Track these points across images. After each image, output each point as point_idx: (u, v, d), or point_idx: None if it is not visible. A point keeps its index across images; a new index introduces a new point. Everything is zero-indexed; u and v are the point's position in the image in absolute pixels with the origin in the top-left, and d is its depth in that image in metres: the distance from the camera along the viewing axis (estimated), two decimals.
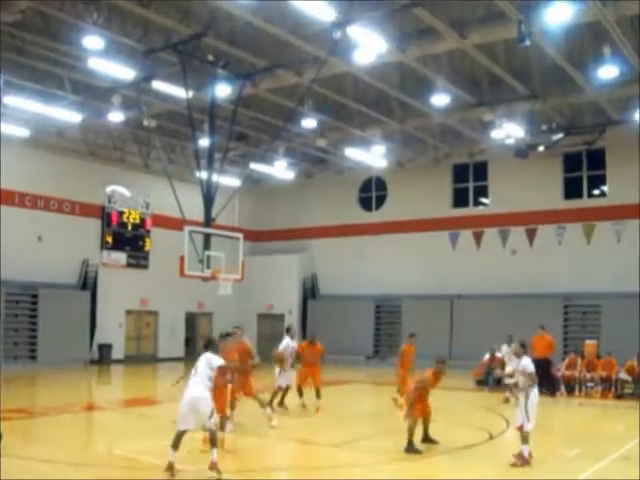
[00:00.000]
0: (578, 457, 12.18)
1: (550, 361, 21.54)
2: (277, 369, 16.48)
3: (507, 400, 19.15)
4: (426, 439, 12.43)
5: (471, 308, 30.56)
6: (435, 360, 12.73)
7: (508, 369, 12.70)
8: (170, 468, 9.50)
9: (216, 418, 10.05)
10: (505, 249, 30.92)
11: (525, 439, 11.08)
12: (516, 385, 11.87)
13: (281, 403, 16.37)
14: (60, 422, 15.11)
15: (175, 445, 9.64)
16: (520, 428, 11.21)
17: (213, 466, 9.53)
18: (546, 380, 21.41)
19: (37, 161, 28.63)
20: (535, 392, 11.58)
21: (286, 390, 16.39)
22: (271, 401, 15.30)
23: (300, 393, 17.05)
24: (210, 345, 10.49)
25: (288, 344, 16.73)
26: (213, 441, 9.66)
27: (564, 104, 24.72)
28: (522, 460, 10.95)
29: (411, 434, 11.79)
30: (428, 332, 28.50)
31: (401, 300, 33.29)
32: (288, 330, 17.79)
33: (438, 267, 32.15)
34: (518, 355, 12.08)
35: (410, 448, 11.70)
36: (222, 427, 11.53)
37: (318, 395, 16.68)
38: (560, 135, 25.62)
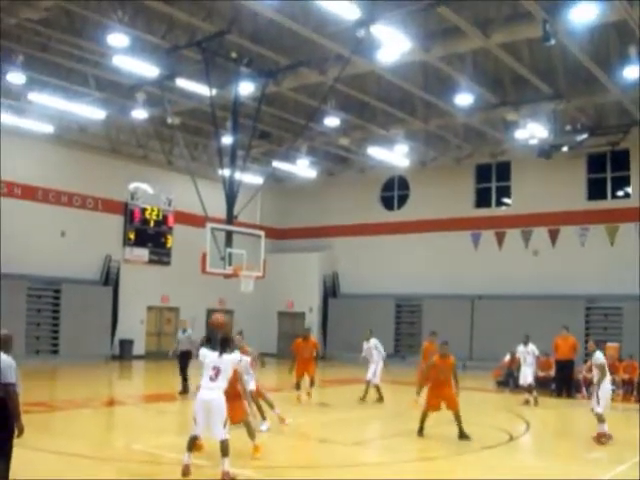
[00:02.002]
0: (597, 461, 12.10)
1: (573, 362, 21.40)
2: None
3: (527, 402, 19.08)
4: (462, 435, 12.64)
5: (492, 309, 30.40)
6: (440, 344, 13.83)
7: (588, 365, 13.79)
8: (185, 471, 9.05)
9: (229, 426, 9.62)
10: (527, 250, 30.71)
11: (600, 419, 12.74)
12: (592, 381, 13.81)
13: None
14: (80, 416, 15.21)
15: (190, 448, 9.28)
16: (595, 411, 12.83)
17: (225, 476, 9.06)
18: (567, 382, 21.34)
19: (61, 157, 28.84)
20: (607, 381, 13.18)
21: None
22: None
23: (298, 387, 18.15)
24: (226, 343, 9.70)
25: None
26: (225, 450, 9.17)
27: (588, 104, 24.54)
28: (605, 437, 12.57)
29: (421, 420, 12.80)
30: (449, 332, 28.24)
31: (422, 300, 33.20)
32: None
33: (459, 267, 32.02)
34: (592, 349, 14.03)
35: (420, 432, 12.74)
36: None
37: (312, 383, 18.23)
38: (584, 135, 25.40)
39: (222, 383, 9.32)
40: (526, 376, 19.56)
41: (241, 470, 10.60)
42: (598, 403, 12.77)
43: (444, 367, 13.12)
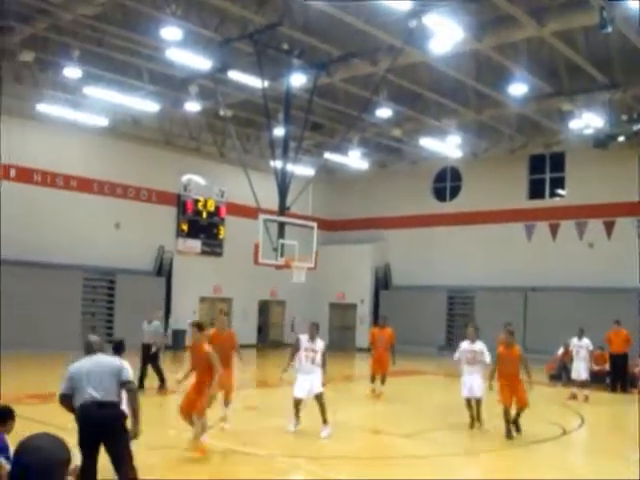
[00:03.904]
0: None
1: (627, 356, 21.09)
2: None
3: (574, 396, 18.83)
4: (514, 423, 12.57)
5: (546, 301, 30.05)
6: (504, 332, 13.38)
7: None
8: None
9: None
10: (582, 242, 30.26)
11: None
12: None
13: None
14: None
15: None
16: None
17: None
18: (622, 376, 21.02)
19: (115, 150, 29.26)
20: None
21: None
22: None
23: (372, 380, 18.00)
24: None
25: None
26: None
27: None
28: None
29: (506, 420, 12.40)
30: (501, 324, 28.14)
31: (474, 292, 32.99)
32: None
33: (512, 259, 31.70)
34: None
35: (507, 433, 12.38)
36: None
37: (383, 381, 17.84)
38: None
39: None
40: (579, 371, 19.28)
41: (292, 459, 10.72)
42: None
43: (510, 358, 12.60)
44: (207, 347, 10.76)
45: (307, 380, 12.47)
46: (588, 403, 18.30)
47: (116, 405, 7.11)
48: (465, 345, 13.51)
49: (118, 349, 10.29)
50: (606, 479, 10.08)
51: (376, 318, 35.21)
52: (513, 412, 12.49)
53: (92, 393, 6.95)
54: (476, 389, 13.03)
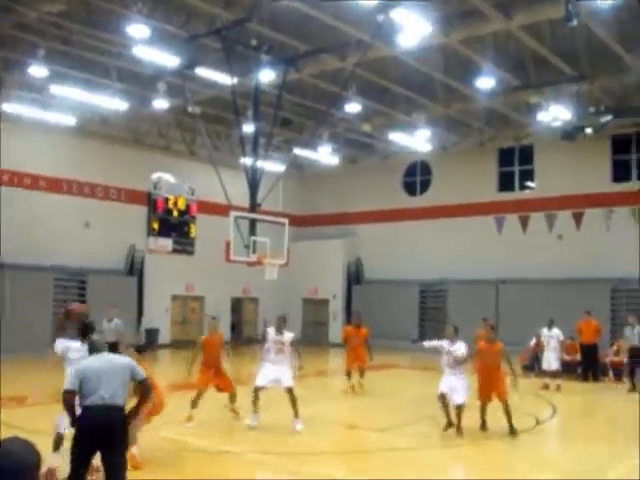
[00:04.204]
0: (625, 444, 12.05)
1: (597, 346, 21.35)
2: None
3: (546, 386, 19.03)
4: (511, 429, 12.14)
5: (516, 293, 30.28)
6: (485, 325, 13.32)
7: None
8: None
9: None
10: (552, 233, 30.50)
11: None
12: None
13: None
14: None
15: None
16: None
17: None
18: (592, 366, 21.29)
19: (84, 149, 29.02)
20: None
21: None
22: None
23: (348, 375, 17.89)
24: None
25: None
26: None
27: (612, 85, 24.27)
28: None
29: (482, 414, 12.27)
30: (473, 317, 28.31)
31: (446, 285, 33.15)
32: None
33: (483, 252, 31.89)
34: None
35: (482, 426, 12.33)
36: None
37: (362, 374, 17.83)
38: (608, 117, 25.16)
39: None
40: (550, 361, 19.54)
41: (266, 456, 10.71)
42: None
43: (491, 353, 12.45)
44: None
45: (273, 371, 12.47)
46: (560, 392, 18.50)
47: (122, 409, 6.82)
48: (445, 345, 12.44)
49: (112, 350, 9.94)
50: (581, 466, 10.21)
51: (349, 314, 35.32)
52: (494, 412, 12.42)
53: (102, 395, 6.66)
54: (456, 396, 11.98)
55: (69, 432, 8.78)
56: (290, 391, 12.41)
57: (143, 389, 7.05)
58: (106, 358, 7.02)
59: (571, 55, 21.80)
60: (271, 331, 12.71)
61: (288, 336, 12.69)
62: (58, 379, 14.63)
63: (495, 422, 12.45)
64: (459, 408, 11.97)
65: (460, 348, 12.25)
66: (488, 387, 12.21)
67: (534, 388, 18.85)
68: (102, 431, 6.60)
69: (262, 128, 23.43)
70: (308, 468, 10.06)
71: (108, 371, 6.80)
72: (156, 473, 9.29)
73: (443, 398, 12.20)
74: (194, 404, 12.76)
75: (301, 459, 10.67)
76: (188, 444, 10.75)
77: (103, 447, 6.61)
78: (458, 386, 12.04)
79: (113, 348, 16.79)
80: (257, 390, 12.55)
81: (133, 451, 9.95)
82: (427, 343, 13.08)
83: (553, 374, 19.34)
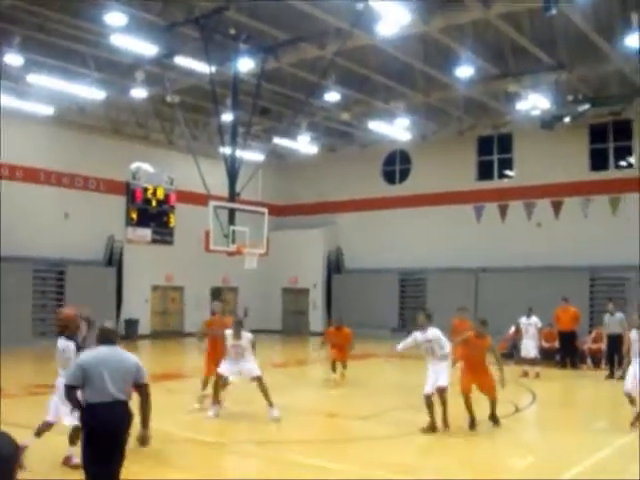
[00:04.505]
0: (603, 430, 12.18)
1: (575, 333, 21.48)
2: None
3: (526, 374, 19.16)
4: (491, 417, 11.99)
5: (496, 281, 30.44)
6: (476, 321, 12.83)
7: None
8: None
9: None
10: (530, 222, 30.68)
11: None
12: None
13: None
14: None
15: None
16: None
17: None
18: (570, 353, 21.44)
19: (61, 139, 28.81)
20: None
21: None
22: None
23: (333, 368, 17.67)
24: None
25: None
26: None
27: (590, 74, 24.37)
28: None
29: (467, 409, 11.66)
30: (453, 305, 28.38)
31: (426, 273, 33.24)
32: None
33: (463, 240, 31.99)
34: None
35: (471, 424, 11.66)
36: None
37: (344, 366, 17.62)
38: (586, 106, 25.27)
39: None
40: (528, 349, 19.71)
41: (248, 447, 10.71)
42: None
43: (478, 347, 12.06)
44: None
45: (236, 364, 12.54)
46: (539, 380, 18.62)
47: (128, 405, 6.41)
48: (418, 335, 11.81)
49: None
50: (559, 452, 10.29)
51: (329, 303, 35.44)
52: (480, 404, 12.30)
53: (112, 390, 6.24)
54: (441, 379, 11.48)
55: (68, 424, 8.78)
56: (259, 380, 12.40)
57: (144, 393, 6.58)
58: (114, 352, 6.54)
59: (550, 44, 21.86)
60: (229, 335, 12.61)
61: (245, 340, 12.56)
62: (35, 371, 14.51)
63: (477, 411, 12.50)
64: (442, 392, 11.43)
65: (433, 334, 11.63)
66: (471, 379, 11.87)
67: (514, 376, 18.95)
68: (116, 428, 6.27)
69: (241, 117, 23.38)
70: (288, 456, 10.06)
71: (117, 366, 6.40)
72: (143, 463, 9.26)
73: (428, 399, 11.52)
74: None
75: (281, 447, 10.67)
76: (170, 435, 10.71)
77: (110, 445, 6.24)
78: (440, 369, 11.57)
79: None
80: (219, 378, 12.66)
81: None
82: (401, 345, 12.35)
83: (532, 361, 19.48)
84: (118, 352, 6.57)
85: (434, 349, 11.64)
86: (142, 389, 6.54)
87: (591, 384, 19.29)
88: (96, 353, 6.54)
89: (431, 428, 11.41)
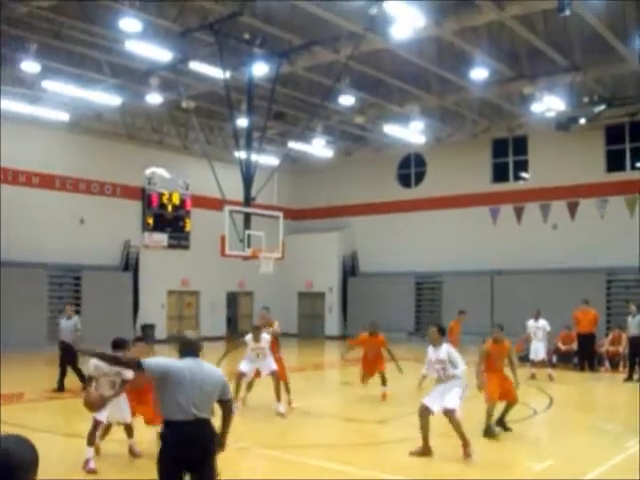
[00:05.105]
0: (621, 434, 12.10)
1: (594, 336, 21.36)
2: None
3: (533, 376, 19.03)
4: (500, 422, 11.91)
5: (512, 284, 30.31)
6: (493, 328, 12.52)
7: None
8: None
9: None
10: (546, 224, 30.53)
11: None
12: None
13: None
14: None
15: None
16: None
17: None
18: (589, 356, 21.31)
19: (77, 145, 28.97)
20: None
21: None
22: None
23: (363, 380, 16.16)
24: None
25: None
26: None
27: (606, 75, 24.26)
28: None
29: (488, 416, 11.47)
30: (469, 308, 28.23)
31: (442, 276, 33.17)
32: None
33: (478, 243, 31.89)
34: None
35: (488, 431, 11.44)
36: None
37: (384, 381, 15.87)
38: (602, 107, 25.15)
39: None
40: (537, 351, 19.63)
41: (269, 450, 10.72)
42: None
43: (499, 353, 11.89)
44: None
45: (255, 363, 13.46)
46: (557, 382, 18.53)
47: (212, 424, 5.94)
48: (430, 353, 10.51)
49: (117, 347, 9.58)
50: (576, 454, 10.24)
51: (345, 307, 35.44)
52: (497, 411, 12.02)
53: (194, 408, 5.71)
54: (449, 400, 10.03)
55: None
56: (274, 374, 13.35)
57: (228, 410, 6.20)
58: (201, 365, 5.99)
59: (564, 45, 21.76)
60: (249, 339, 13.55)
61: (264, 341, 13.53)
62: (52, 376, 14.57)
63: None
64: (450, 414, 10.04)
65: (446, 353, 10.24)
66: (497, 390, 11.68)
67: (522, 379, 18.89)
68: (194, 451, 5.74)
69: (256, 122, 23.40)
70: (306, 460, 10.06)
71: (203, 380, 5.86)
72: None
73: (422, 412, 10.21)
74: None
75: (299, 451, 10.67)
76: None
77: (194, 468, 5.76)
78: (448, 388, 10.16)
79: (67, 348, 16.49)
80: (240, 376, 13.46)
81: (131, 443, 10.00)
82: (425, 369, 11.81)
83: (541, 364, 19.44)
84: (204, 365, 6.04)
85: (446, 369, 10.17)
86: (226, 405, 6.14)
87: (609, 387, 19.19)
88: (181, 363, 5.94)
89: (423, 452, 10.15)
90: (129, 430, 9.89)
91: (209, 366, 6.11)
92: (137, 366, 5.90)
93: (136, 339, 11.32)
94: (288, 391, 14.20)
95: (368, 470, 9.59)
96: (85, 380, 15.88)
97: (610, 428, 12.55)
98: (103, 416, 9.37)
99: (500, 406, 11.95)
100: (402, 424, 12.72)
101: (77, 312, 28.01)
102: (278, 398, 13.22)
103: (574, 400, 17.35)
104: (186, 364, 5.88)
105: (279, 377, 13.57)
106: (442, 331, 10.59)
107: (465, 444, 9.92)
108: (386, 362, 15.89)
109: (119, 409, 9.62)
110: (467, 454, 9.89)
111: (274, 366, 13.40)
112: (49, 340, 26.34)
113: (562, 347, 21.63)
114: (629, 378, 18.96)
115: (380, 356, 15.84)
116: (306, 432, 12.11)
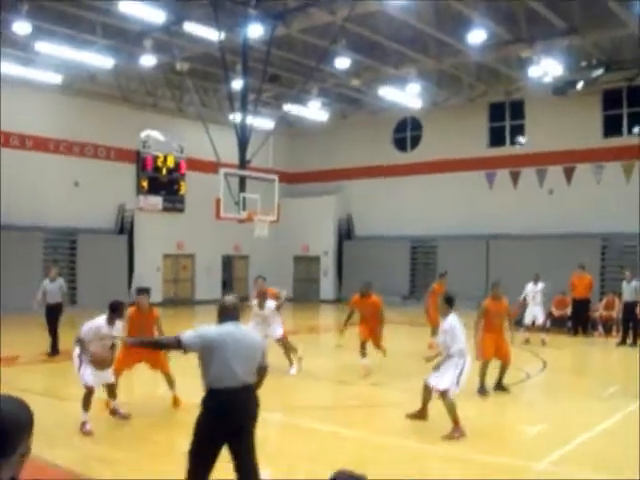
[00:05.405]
0: (614, 396, 12.18)
1: (589, 301, 21.43)
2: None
3: (527, 340, 19.08)
4: (498, 386, 12.03)
5: (507, 248, 30.32)
6: (493, 285, 12.62)
7: None
8: None
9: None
10: (542, 188, 30.47)
11: None
12: None
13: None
14: None
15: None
16: None
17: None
18: (583, 321, 21.40)
19: (71, 107, 28.73)
20: None
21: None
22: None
23: (363, 351, 14.50)
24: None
25: None
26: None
27: (604, 39, 24.07)
28: None
29: (481, 375, 11.64)
30: (464, 272, 28.46)
31: (437, 240, 33.18)
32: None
33: (474, 207, 31.86)
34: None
35: (481, 390, 11.63)
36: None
37: (380, 348, 14.81)
38: (599, 71, 24.98)
39: None
40: (536, 316, 19.67)
41: (262, 412, 10.76)
42: None
43: (498, 311, 11.94)
44: None
45: (261, 329, 12.91)
46: (550, 347, 18.60)
47: (255, 391, 5.89)
48: (441, 322, 9.90)
49: (115, 311, 9.61)
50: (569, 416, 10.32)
51: (340, 270, 35.45)
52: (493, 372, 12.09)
53: (241, 374, 5.65)
54: (441, 380, 9.43)
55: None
56: (280, 340, 13.76)
57: (262, 376, 6.04)
58: (242, 331, 5.94)
59: (563, 8, 21.55)
60: (254, 306, 13.84)
61: (268, 309, 13.77)
62: (46, 338, 14.56)
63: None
64: (442, 395, 9.43)
65: (452, 331, 9.38)
66: (493, 347, 11.76)
67: (516, 343, 18.99)
68: (239, 419, 5.69)
69: (251, 84, 23.22)
70: (300, 422, 10.14)
71: (246, 346, 5.80)
72: (169, 432, 9.34)
73: (426, 388, 9.95)
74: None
75: (293, 413, 10.75)
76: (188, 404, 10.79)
77: (237, 436, 5.68)
78: (446, 370, 9.44)
79: (58, 308, 16.67)
80: None
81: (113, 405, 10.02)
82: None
83: (540, 328, 19.49)
84: (245, 331, 6.04)
85: (446, 343, 9.43)
86: (263, 371, 6.03)
87: (603, 351, 19.30)
88: (222, 330, 5.83)
89: (419, 415, 10.03)
90: (112, 391, 9.92)
91: (250, 331, 6.20)
92: (178, 345, 5.83)
93: (139, 291, 11.62)
94: (295, 350, 14.46)
95: (360, 431, 9.64)
96: (56, 349, 16.10)
97: (603, 391, 12.62)
98: (93, 381, 9.38)
99: (495, 371, 12.01)
100: (397, 387, 12.80)
101: (71, 274, 28.22)
102: (290, 361, 13.79)
103: (567, 364, 17.46)
104: (227, 330, 5.79)
105: (284, 342, 14.02)
106: (449, 300, 9.68)
107: (454, 427, 9.19)
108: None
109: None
110: (450, 436, 9.10)
111: (279, 332, 13.77)
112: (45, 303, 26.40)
113: (556, 312, 21.69)
114: (622, 342, 19.08)
115: (375, 318, 14.54)
116: (300, 394, 12.18)
